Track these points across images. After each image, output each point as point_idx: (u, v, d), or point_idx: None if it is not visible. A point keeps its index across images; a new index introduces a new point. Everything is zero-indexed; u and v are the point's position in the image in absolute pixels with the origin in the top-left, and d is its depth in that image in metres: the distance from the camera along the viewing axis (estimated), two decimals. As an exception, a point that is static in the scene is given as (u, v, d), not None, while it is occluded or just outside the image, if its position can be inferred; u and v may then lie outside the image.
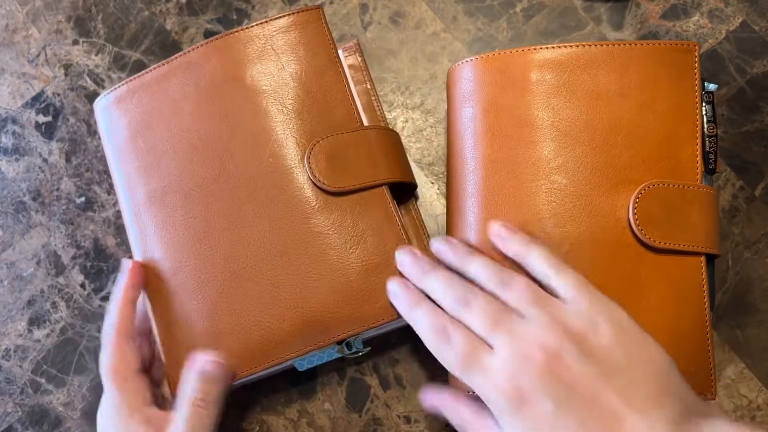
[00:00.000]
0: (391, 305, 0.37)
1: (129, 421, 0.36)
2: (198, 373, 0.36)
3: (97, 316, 0.47)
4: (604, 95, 0.37)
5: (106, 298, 0.47)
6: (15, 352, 0.47)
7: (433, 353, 0.34)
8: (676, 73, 0.37)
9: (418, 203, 0.46)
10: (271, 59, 0.40)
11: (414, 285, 0.37)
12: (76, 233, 0.48)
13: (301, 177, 0.39)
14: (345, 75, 0.41)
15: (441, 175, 0.46)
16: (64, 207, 0.49)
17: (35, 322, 0.47)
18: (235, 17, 0.50)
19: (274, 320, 0.38)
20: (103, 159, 0.49)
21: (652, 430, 0.29)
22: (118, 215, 0.48)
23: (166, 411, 0.37)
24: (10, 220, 0.49)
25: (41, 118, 0.50)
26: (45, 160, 0.49)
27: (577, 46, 0.38)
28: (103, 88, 0.50)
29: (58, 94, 0.50)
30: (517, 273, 0.35)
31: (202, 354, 0.37)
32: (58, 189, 0.49)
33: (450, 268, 0.37)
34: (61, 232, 0.48)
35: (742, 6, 0.47)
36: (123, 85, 0.42)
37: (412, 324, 0.36)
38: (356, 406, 0.44)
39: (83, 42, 0.51)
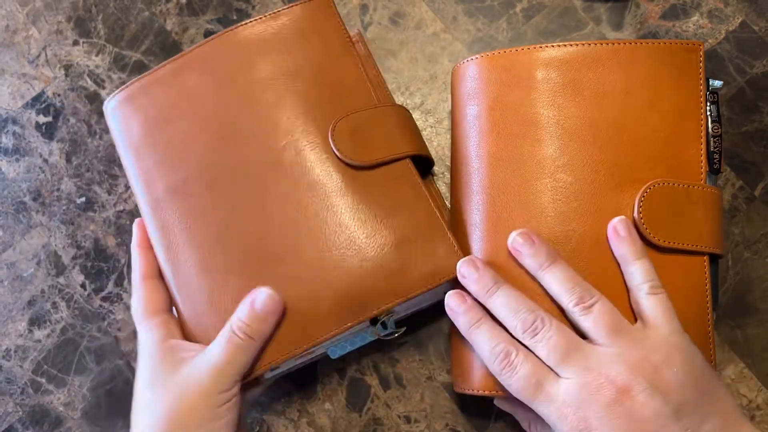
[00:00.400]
0: (427, 275, 0.37)
1: (160, 351, 0.36)
2: (249, 304, 0.36)
3: (98, 317, 0.47)
4: (609, 94, 0.37)
5: (106, 299, 0.47)
6: (15, 352, 0.47)
7: (494, 375, 0.34)
8: (681, 73, 0.37)
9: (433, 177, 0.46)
10: (287, 47, 0.41)
11: (473, 299, 0.36)
12: (77, 233, 0.48)
13: (325, 155, 0.39)
14: (360, 57, 0.41)
15: (441, 175, 0.46)
16: (64, 207, 0.49)
17: (36, 322, 0.47)
18: (235, 17, 0.50)
19: (310, 300, 0.37)
20: (103, 159, 0.49)
21: None
22: (119, 215, 0.48)
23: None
24: (11, 220, 0.49)
25: (42, 119, 0.50)
26: (45, 161, 0.49)
27: (583, 44, 0.38)
28: (104, 88, 0.50)
29: (59, 95, 0.50)
30: (598, 293, 0.34)
31: (258, 288, 0.36)
32: (58, 189, 0.49)
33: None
34: (62, 233, 0.48)
35: (741, 6, 0.47)
36: (133, 83, 0.42)
37: (472, 343, 0.35)
38: (356, 405, 0.44)
39: (83, 42, 0.51)
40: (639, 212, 0.35)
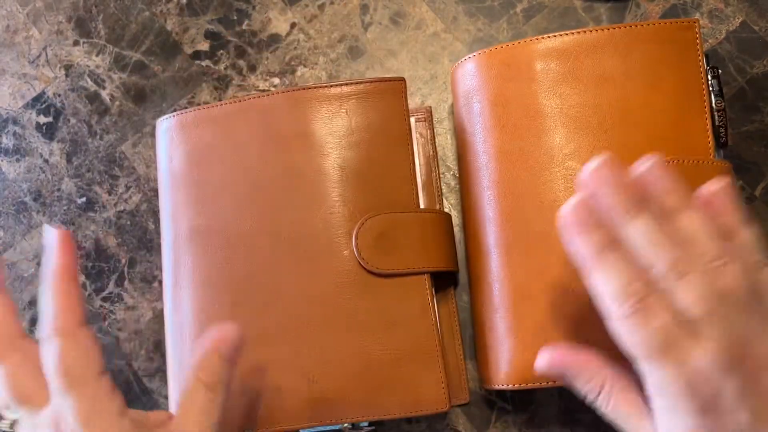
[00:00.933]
0: (407, 403, 0.36)
1: (121, 428, 0.28)
2: (209, 352, 0.32)
3: (98, 317, 0.47)
4: (609, 78, 0.37)
5: (107, 299, 0.47)
6: (16, 352, 0.47)
7: (610, 319, 0.27)
8: (679, 51, 0.37)
9: (456, 290, 0.44)
10: (343, 123, 0.39)
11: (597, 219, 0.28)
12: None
13: (345, 250, 0.38)
14: (413, 153, 0.40)
15: (441, 175, 0.46)
16: (65, 207, 0.49)
17: (37, 322, 0.47)
18: (235, 17, 0.50)
19: (286, 389, 0.37)
20: (103, 159, 0.49)
21: None
22: (119, 216, 0.48)
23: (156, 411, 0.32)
24: (11, 220, 0.49)
25: (42, 119, 0.50)
26: (46, 161, 0.49)
27: (579, 32, 0.38)
28: (104, 88, 0.50)
29: (59, 95, 0.50)
30: (737, 251, 0.28)
31: (216, 330, 0.32)
32: (59, 189, 0.49)
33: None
34: (62, 233, 0.48)
35: (742, 6, 0.47)
36: (190, 111, 0.41)
37: (596, 272, 0.28)
38: (357, 406, 0.44)
39: (84, 43, 0.51)
40: None
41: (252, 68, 0.49)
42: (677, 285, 0.26)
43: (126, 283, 0.47)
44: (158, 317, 0.46)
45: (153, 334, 0.46)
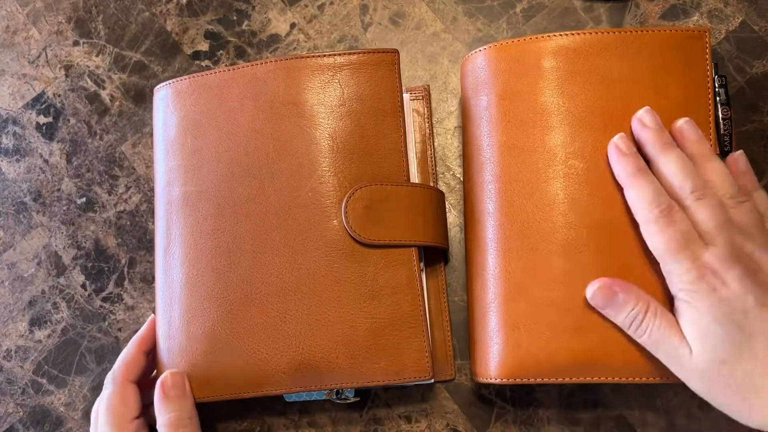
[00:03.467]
0: (390, 371, 0.37)
1: None
2: (164, 396, 0.38)
3: (98, 317, 0.47)
4: (617, 81, 0.37)
5: (106, 299, 0.47)
6: (16, 352, 0.47)
7: (643, 225, 0.34)
8: (688, 59, 0.38)
9: (447, 266, 0.44)
10: (335, 93, 0.39)
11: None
12: (77, 234, 0.48)
13: (335, 219, 0.38)
14: (404, 126, 0.40)
15: (441, 175, 0.46)
16: (64, 208, 0.49)
17: (36, 322, 0.47)
18: (235, 18, 0.50)
19: (272, 353, 0.38)
20: (103, 159, 0.49)
21: None
22: (119, 216, 0.48)
23: None
24: (11, 220, 0.49)
25: (42, 119, 0.50)
26: (46, 161, 0.49)
27: (590, 33, 0.38)
28: (104, 89, 0.50)
29: (59, 95, 0.50)
30: (749, 194, 0.36)
31: (161, 377, 0.38)
32: (58, 190, 0.49)
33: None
34: (62, 233, 0.48)
35: (741, 6, 0.47)
36: (185, 79, 0.42)
37: (631, 189, 0.35)
38: (357, 405, 0.44)
39: (84, 43, 0.51)
40: None
41: (252, 68, 0.49)
42: (697, 204, 0.34)
43: (126, 283, 0.47)
44: (158, 317, 0.46)
45: (153, 334, 0.46)
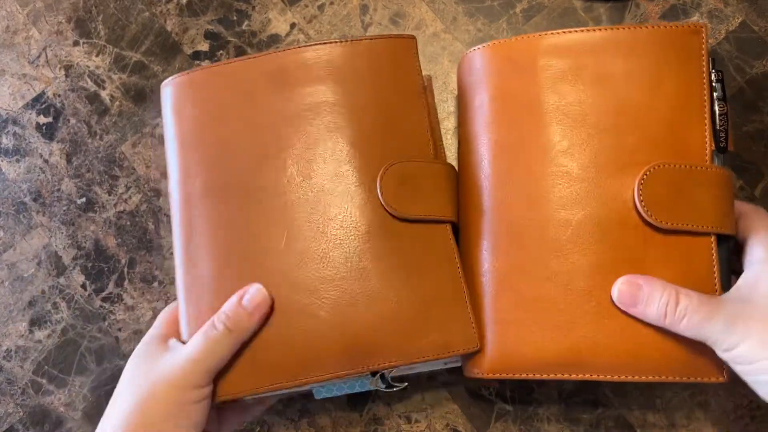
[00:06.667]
0: (438, 345, 0.36)
1: (152, 342, 0.38)
2: (237, 297, 0.36)
3: (98, 317, 0.47)
4: (610, 79, 0.37)
5: (107, 299, 0.47)
6: (16, 352, 0.47)
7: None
8: (684, 55, 0.37)
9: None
10: (359, 77, 0.39)
11: None
12: (77, 234, 0.48)
13: (368, 198, 0.38)
14: (427, 105, 0.40)
15: (441, 176, 0.46)
16: (64, 208, 0.49)
17: (36, 322, 0.47)
18: (235, 18, 0.50)
19: (315, 336, 0.37)
20: (103, 160, 0.49)
21: None
22: (119, 216, 0.48)
23: None
24: (11, 220, 0.49)
25: (42, 119, 0.50)
26: (46, 161, 0.49)
27: (583, 31, 0.38)
28: (104, 89, 0.50)
29: (59, 95, 0.50)
30: None
31: (251, 284, 0.37)
32: (58, 190, 0.49)
33: None
34: (62, 233, 0.48)
35: (741, 6, 0.47)
36: (197, 70, 0.41)
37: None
38: (357, 405, 0.44)
39: (84, 43, 0.51)
40: (639, 194, 0.35)
41: (252, 68, 0.49)
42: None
43: (126, 283, 0.47)
44: (158, 317, 0.46)
45: (153, 335, 0.46)
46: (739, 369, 0.33)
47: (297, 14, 0.50)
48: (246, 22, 0.50)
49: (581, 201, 0.36)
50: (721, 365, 0.34)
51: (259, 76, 0.40)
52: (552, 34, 0.38)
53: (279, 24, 0.50)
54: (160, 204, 0.48)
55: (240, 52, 0.50)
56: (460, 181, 0.41)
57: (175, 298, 0.41)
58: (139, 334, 0.46)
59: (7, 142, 0.50)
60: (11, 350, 0.47)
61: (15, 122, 0.50)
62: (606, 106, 0.37)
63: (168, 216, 0.48)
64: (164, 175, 0.48)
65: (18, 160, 0.50)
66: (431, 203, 0.38)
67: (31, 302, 0.47)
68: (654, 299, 0.34)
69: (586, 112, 0.37)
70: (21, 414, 0.46)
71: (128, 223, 0.48)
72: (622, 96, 0.37)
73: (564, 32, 0.38)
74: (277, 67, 0.40)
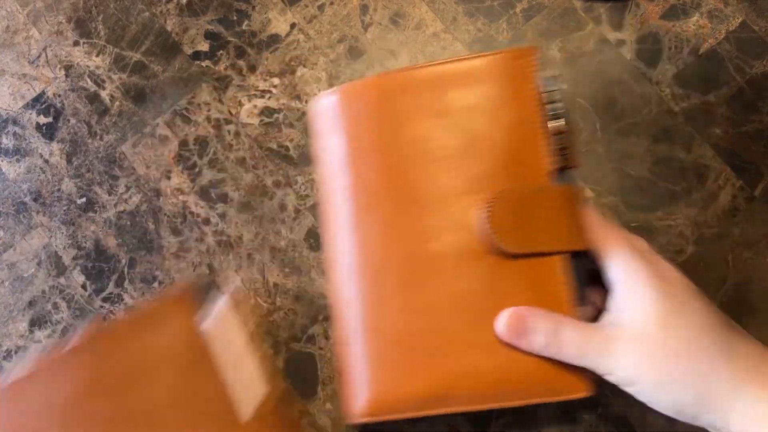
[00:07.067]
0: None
1: None
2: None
3: (98, 317, 0.47)
4: (453, 111, 0.37)
5: (107, 299, 0.47)
6: (16, 353, 0.47)
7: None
8: (519, 79, 0.37)
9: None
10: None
11: None
12: (77, 234, 0.48)
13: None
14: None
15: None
16: (65, 208, 0.49)
17: (36, 322, 0.47)
18: (235, 18, 0.50)
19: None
20: (103, 160, 0.49)
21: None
22: (119, 216, 0.48)
23: None
24: (11, 220, 0.49)
25: (42, 119, 0.50)
26: (46, 161, 0.49)
27: (422, 67, 0.38)
28: (104, 89, 0.50)
29: (59, 95, 0.50)
30: None
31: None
32: (59, 190, 0.49)
33: None
34: (62, 233, 0.48)
35: (741, 6, 0.47)
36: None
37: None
38: (357, 406, 0.44)
39: (84, 43, 0.51)
40: (487, 223, 0.35)
41: (252, 68, 0.49)
42: None
43: (126, 283, 0.47)
44: (158, 317, 0.46)
45: (153, 335, 0.46)
46: (628, 390, 0.33)
47: (297, 14, 0.50)
48: (246, 22, 0.50)
49: (435, 235, 0.36)
50: (588, 380, 0.34)
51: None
52: (392, 73, 0.38)
53: (279, 24, 0.50)
54: (160, 204, 0.48)
55: (240, 52, 0.50)
56: (322, 222, 0.40)
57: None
58: (139, 334, 0.46)
59: (7, 142, 0.50)
60: (11, 350, 0.47)
61: (15, 122, 0.50)
62: (452, 139, 0.37)
63: (168, 216, 0.48)
64: (164, 174, 0.48)
65: (18, 160, 0.50)
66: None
67: (31, 302, 0.47)
68: (538, 330, 0.34)
69: (433, 147, 0.37)
70: (21, 414, 0.46)
71: (128, 223, 0.48)
72: (466, 127, 0.37)
73: (403, 70, 0.38)
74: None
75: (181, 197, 0.48)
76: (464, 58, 0.38)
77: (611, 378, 0.33)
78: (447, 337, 0.35)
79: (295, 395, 0.44)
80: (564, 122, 0.37)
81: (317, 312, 0.45)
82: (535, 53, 0.38)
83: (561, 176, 0.37)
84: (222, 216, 0.48)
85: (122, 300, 0.47)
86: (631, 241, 0.35)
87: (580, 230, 0.36)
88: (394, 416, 0.36)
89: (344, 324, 0.38)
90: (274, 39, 0.50)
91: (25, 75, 0.51)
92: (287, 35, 0.50)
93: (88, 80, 0.50)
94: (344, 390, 0.38)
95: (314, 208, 0.47)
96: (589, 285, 0.38)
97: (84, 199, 0.49)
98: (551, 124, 0.37)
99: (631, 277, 0.34)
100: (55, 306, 0.47)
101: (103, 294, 0.47)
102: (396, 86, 0.38)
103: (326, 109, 0.40)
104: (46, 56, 0.51)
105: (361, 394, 0.36)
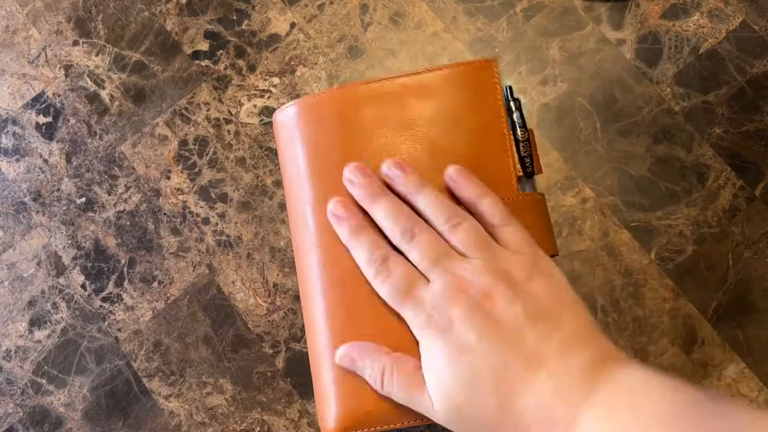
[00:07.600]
0: None
1: None
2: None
3: (98, 317, 0.47)
4: (415, 125, 0.37)
5: (106, 299, 0.47)
6: (16, 352, 0.47)
7: (371, 283, 0.34)
8: (480, 90, 0.38)
9: None
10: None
11: (357, 208, 0.36)
12: (77, 234, 0.48)
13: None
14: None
15: (441, 176, 0.46)
16: (64, 208, 0.49)
17: (36, 322, 0.47)
18: (235, 17, 0.50)
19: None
20: (103, 159, 0.49)
21: (569, 372, 0.29)
22: (119, 216, 0.48)
23: None
24: (11, 220, 0.49)
25: (41, 119, 0.50)
26: (45, 161, 0.49)
27: (384, 79, 0.38)
28: (104, 88, 0.50)
29: (59, 95, 0.50)
30: (465, 214, 0.35)
31: None
32: (58, 190, 0.49)
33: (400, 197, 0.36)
34: (62, 233, 0.48)
35: (742, 6, 0.47)
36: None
37: (352, 251, 0.35)
38: (357, 406, 0.44)
39: (83, 43, 0.51)
40: None
41: (251, 68, 0.49)
42: (409, 246, 0.34)
43: (126, 283, 0.47)
44: (158, 317, 0.46)
45: (152, 335, 0.46)
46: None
47: (297, 14, 0.50)
48: (246, 22, 0.50)
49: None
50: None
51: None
52: (352, 85, 0.38)
53: (279, 24, 0.50)
54: (160, 204, 0.48)
55: (240, 51, 0.50)
56: (293, 235, 0.40)
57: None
58: (138, 335, 0.46)
59: (7, 141, 0.50)
60: (11, 350, 0.47)
61: (15, 122, 0.50)
62: (417, 151, 0.37)
63: (167, 215, 0.48)
64: (163, 174, 0.48)
65: (18, 160, 0.50)
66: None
67: (31, 302, 0.47)
68: (365, 373, 0.34)
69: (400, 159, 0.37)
70: (21, 414, 0.46)
71: (128, 223, 0.48)
72: (431, 138, 0.37)
73: (364, 83, 0.38)
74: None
75: (180, 197, 0.48)
76: (426, 71, 0.38)
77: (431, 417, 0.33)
78: (412, 351, 0.35)
79: (295, 395, 0.44)
80: (525, 131, 0.38)
81: (317, 312, 0.45)
82: (496, 65, 0.38)
83: (524, 183, 0.37)
84: (221, 216, 0.48)
85: (122, 300, 0.47)
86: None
87: (549, 234, 0.37)
88: (365, 430, 0.36)
89: (312, 338, 0.38)
90: (274, 38, 0.50)
91: (24, 75, 0.51)
92: (287, 35, 0.50)
93: (88, 80, 0.50)
94: (317, 405, 0.38)
95: (314, 208, 0.47)
96: None
97: (83, 199, 0.49)
98: (514, 133, 0.38)
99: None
100: (55, 306, 0.47)
101: (103, 294, 0.47)
102: (357, 99, 0.38)
103: (286, 122, 0.40)
104: (46, 56, 0.51)
105: (329, 410, 0.36)
